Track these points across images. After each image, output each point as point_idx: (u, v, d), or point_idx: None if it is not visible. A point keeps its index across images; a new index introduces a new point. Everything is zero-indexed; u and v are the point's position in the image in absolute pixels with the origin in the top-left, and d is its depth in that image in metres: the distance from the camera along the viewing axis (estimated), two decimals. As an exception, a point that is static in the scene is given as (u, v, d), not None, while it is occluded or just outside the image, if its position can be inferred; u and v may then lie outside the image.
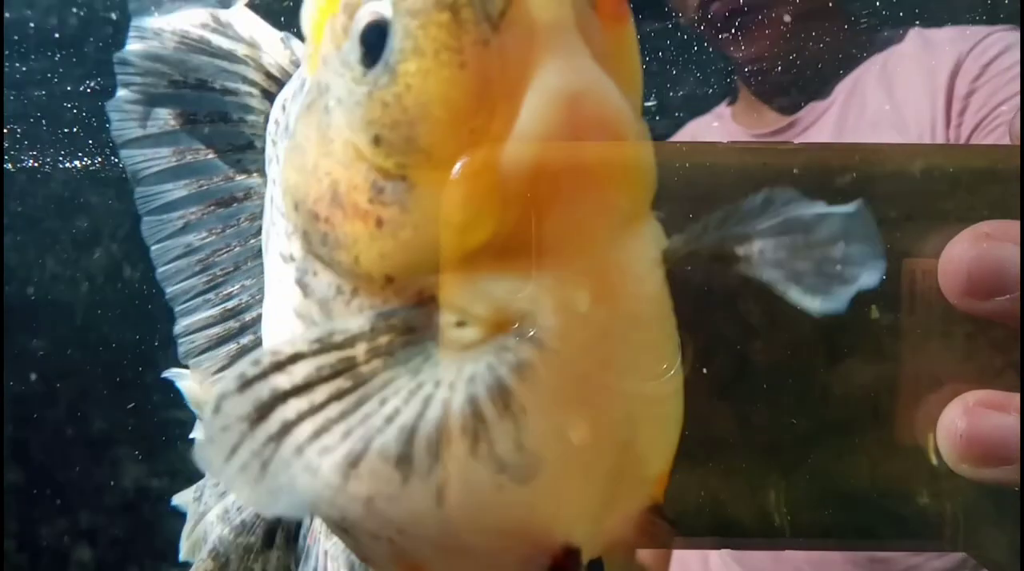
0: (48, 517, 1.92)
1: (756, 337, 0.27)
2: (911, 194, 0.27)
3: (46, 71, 1.34)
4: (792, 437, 0.28)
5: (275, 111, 0.29)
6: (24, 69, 1.34)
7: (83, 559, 1.95)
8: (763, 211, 0.22)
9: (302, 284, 0.25)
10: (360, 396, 0.21)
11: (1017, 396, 0.25)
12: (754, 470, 0.28)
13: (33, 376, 1.91)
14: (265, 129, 0.30)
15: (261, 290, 0.32)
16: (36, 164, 1.64)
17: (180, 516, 0.39)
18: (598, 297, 0.21)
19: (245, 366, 0.21)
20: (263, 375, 0.21)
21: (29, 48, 1.33)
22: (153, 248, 0.35)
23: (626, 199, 0.22)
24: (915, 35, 0.74)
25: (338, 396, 0.21)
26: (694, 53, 1.00)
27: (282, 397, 0.21)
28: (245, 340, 0.35)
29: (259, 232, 0.32)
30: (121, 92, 0.33)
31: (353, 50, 0.22)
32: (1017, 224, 0.25)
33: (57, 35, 1.32)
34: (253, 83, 0.32)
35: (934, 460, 0.27)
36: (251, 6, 0.33)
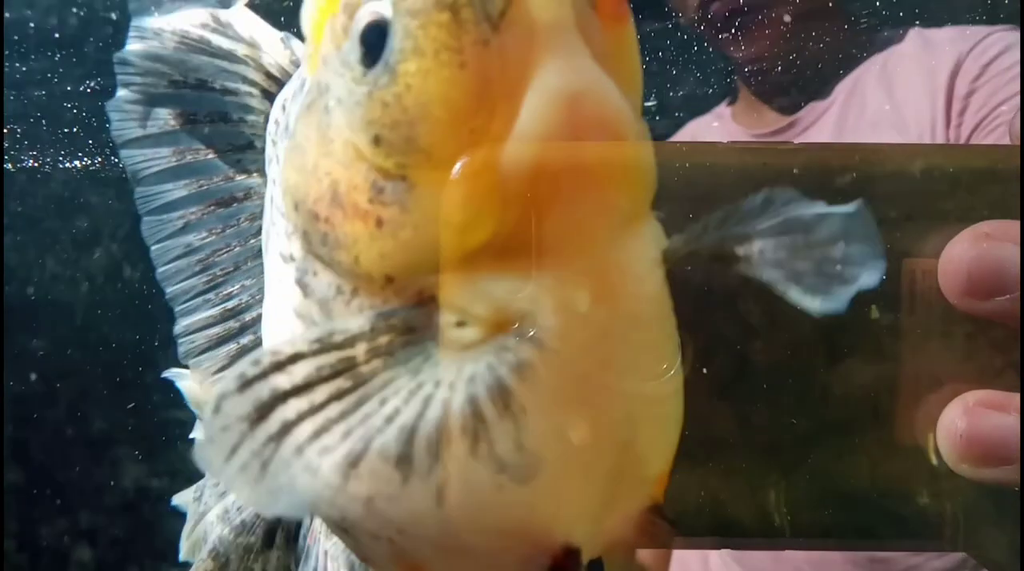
0: (48, 517, 1.92)
1: (756, 337, 0.27)
2: (911, 194, 0.27)
3: (46, 71, 1.34)
4: (792, 437, 0.28)
5: (275, 111, 0.29)
6: (24, 69, 1.34)
7: (83, 559, 1.95)
8: (763, 211, 0.22)
9: (302, 284, 0.25)
10: (360, 396, 0.21)
11: (1017, 396, 0.25)
12: (754, 470, 0.28)
13: (33, 376, 1.91)
14: (265, 129, 0.30)
15: (261, 290, 0.32)
16: (36, 164, 1.64)
17: (180, 516, 0.39)
18: (598, 297, 0.21)
19: (245, 366, 0.21)
20: (263, 375, 0.21)
21: (29, 48, 1.33)
22: (153, 248, 0.35)
23: (626, 199, 0.22)
24: (915, 35, 0.74)
25: (338, 396, 0.21)
26: (694, 53, 1.00)
27: (282, 397, 0.21)
28: (245, 340, 0.35)
29: (259, 232, 0.32)
30: (121, 92, 0.33)
31: (353, 50, 0.22)
32: (1017, 224, 0.25)
33: (57, 35, 1.32)
34: (253, 83, 0.32)
35: (934, 460, 0.27)
36: (251, 6, 0.33)
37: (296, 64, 0.32)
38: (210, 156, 0.34)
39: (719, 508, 0.28)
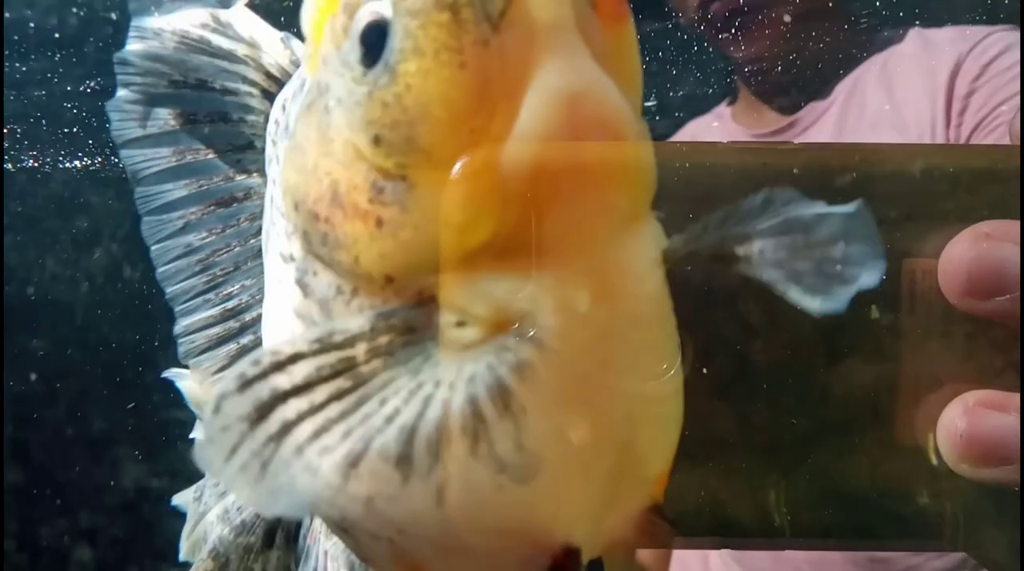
0: (48, 517, 1.92)
1: (756, 337, 0.27)
2: (911, 194, 0.27)
3: (46, 71, 1.34)
4: (792, 437, 0.28)
5: (275, 111, 0.29)
6: (24, 69, 1.34)
7: (83, 559, 1.95)
8: (763, 211, 0.22)
9: (302, 284, 0.25)
10: (360, 396, 0.21)
11: (1017, 396, 0.25)
12: (754, 470, 0.28)
13: (33, 376, 1.91)
14: (265, 129, 0.30)
15: (261, 290, 0.32)
16: (36, 164, 1.64)
17: (180, 516, 0.39)
18: (598, 297, 0.21)
19: (245, 366, 0.21)
20: (263, 375, 0.21)
21: (29, 48, 1.33)
22: (153, 248, 0.35)
23: (626, 199, 0.22)
24: (915, 35, 0.74)
25: (338, 396, 0.21)
26: (694, 53, 1.00)
27: (282, 397, 0.21)
28: (245, 340, 0.35)
29: (259, 232, 0.32)
30: (121, 92, 0.33)
31: (353, 50, 0.22)
32: (1017, 224, 0.25)
33: (57, 35, 1.32)
34: (253, 83, 0.32)
35: (934, 460, 0.27)
36: (251, 6, 0.33)
37: (296, 64, 0.32)
38: (210, 156, 0.34)
39: (719, 508, 0.28)
